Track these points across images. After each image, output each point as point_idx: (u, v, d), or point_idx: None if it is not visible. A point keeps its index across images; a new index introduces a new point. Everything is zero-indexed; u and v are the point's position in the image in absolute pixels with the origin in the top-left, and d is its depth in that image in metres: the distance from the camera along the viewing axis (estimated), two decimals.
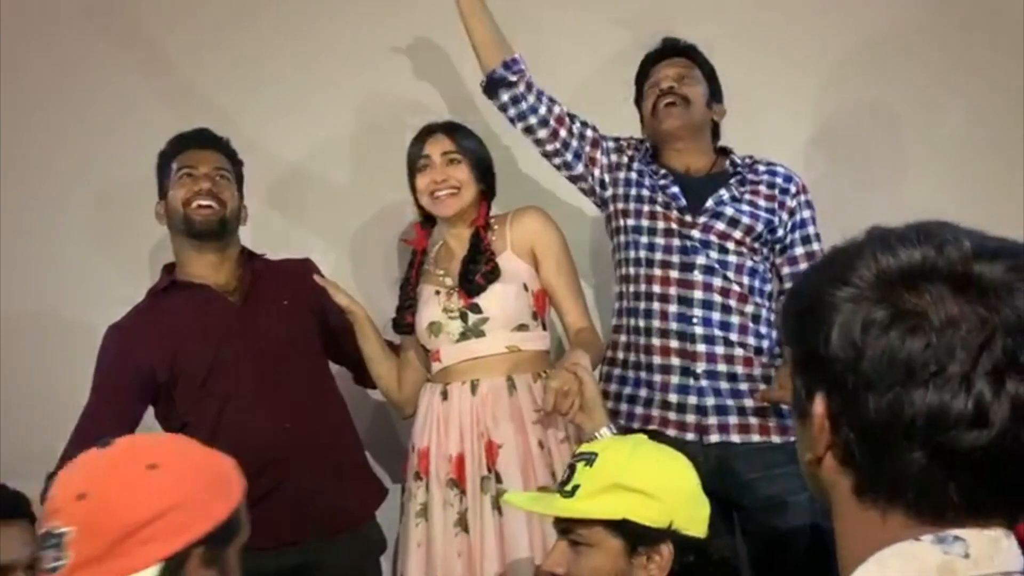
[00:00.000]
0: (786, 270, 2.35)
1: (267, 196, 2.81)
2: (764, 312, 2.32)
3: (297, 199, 2.91)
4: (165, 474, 1.17)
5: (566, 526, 1.60)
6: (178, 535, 1.15)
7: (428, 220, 2.42)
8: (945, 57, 2.81)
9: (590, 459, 1.62)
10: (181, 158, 2.36)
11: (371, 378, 2.57)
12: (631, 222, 2.37)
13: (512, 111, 2.38)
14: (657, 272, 2.30)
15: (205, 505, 1.21)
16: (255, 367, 2.29)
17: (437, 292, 2.31)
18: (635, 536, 1.53)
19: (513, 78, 2.35)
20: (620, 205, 2.40)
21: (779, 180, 2.38)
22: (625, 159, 2.44)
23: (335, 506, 2.26)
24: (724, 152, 2.46)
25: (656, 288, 2.29)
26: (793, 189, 2.37)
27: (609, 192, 2.43)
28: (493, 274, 2.25)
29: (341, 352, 2.51)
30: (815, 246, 2.35)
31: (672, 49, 2.47)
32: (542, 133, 2.39)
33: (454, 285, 2.29)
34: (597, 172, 2.43)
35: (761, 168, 2.40)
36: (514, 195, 2.51)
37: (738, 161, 2.42)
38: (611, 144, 2.46)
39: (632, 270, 2.34)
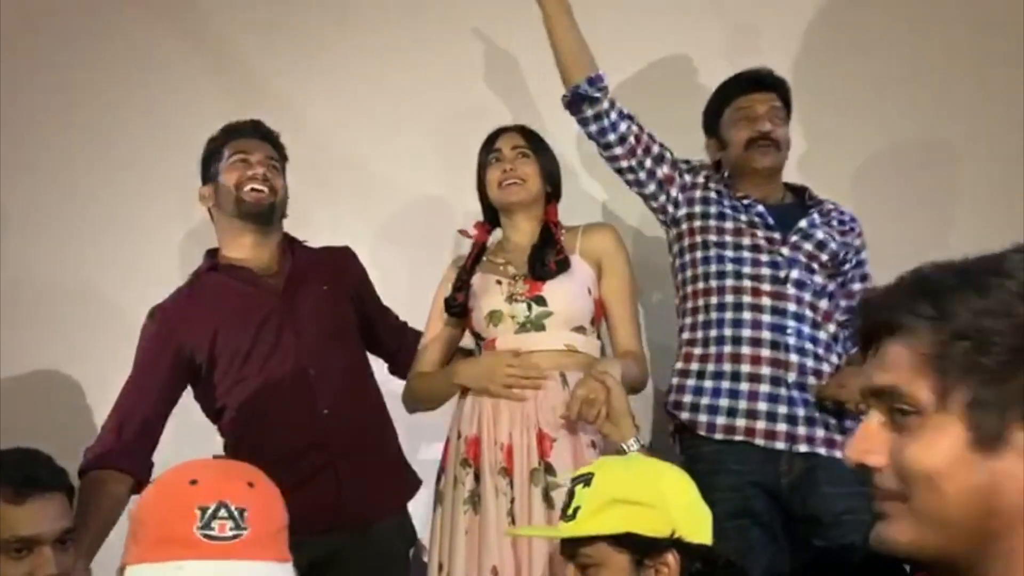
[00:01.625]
0: (843, 302, 2.41)
1: (305, 185, 2.81)
2: (839, 335, 2.38)
3: (333, 189, 2.92)
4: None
5: (572, 551, 1.62)
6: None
7: (491, 221, 2.44)
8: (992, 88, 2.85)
9: (587, 480, 1.65)
10: (234, 144, 2.37)
11: (406, 368, 2.56)
12: (713, 237, 2.40)
13: (593, 127, 2.38)
14: (747, 284, 2.33)
15: None
16: (294, 350, 2.28)
17: (498, 282, 2.31)
18: (639, 548, 1.55)
19: (597, 94, 2.35)
20: (698, 223, 2.43)
21: (847, 219, 2.47)
22: (701, 179, 2.47)
23: (373, 494, 2.25)
24: (789, 186, 2.52)
25: (747, 298, 2.32)
26: (857, 230, 2.47)
27: (683, 211, 2.45)
28: (564, 264, 2.27)
29: (378, 342, 2.52)
30: (869, 283, 2.43)
31: (767, 82, 2.46)
32: (619, 150, 2.40)
33: (518, 273, 2.29)
34: (673, 191, 2.45)
35: (828, 206, 2.48)
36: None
37: (814, 196, 2.50)
38: (684, 165, 2.49)
39: (715, 283, 2.37)
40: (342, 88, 2.93)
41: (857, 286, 2.42)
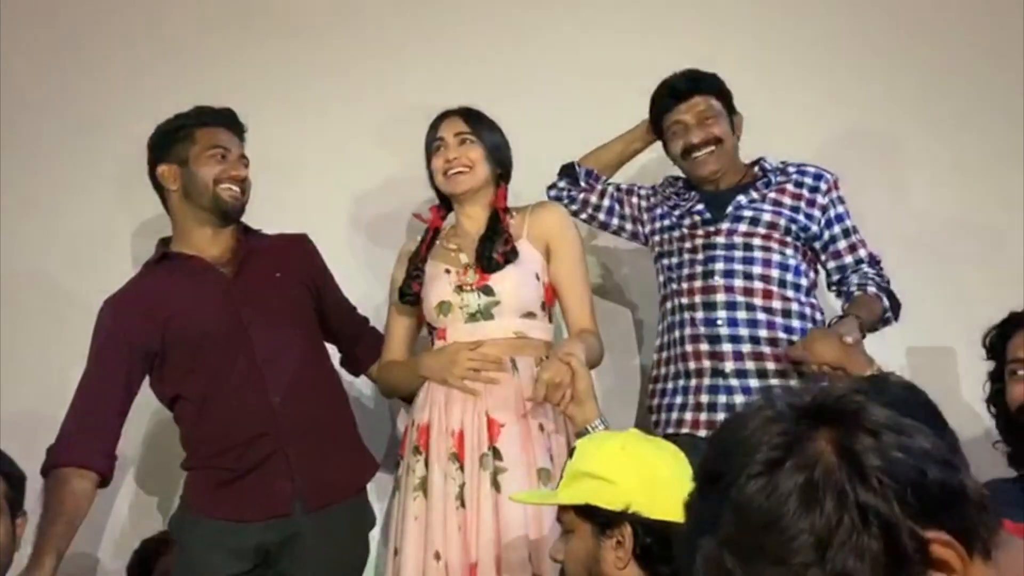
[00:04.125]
0: (831, 264, 2.46)
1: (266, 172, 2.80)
2: (795, 306, 2.40)
3: (294, 174, 2.91)
4: None
5: (558, 516, 1.74)
6: None
7: (444, 204, 2.44)
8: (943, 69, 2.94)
9: (572, 452, 1.76)
10: (211, 134, 2.33)
11: (357, 364, 2.60)
12: (662, 249, 2.52)
13: (563, 193, 2.61)
14: (684, 286, 2.43)
15: None
16: (245, 339, 2.29)
17: (447, 271, 2.32)
18: (599, 520, 1.64)
19: (582, 183, 2.60)
20: (656, 237, 2.56)
21: (808, 179, 2.48)
22: (659, 199, 2.58)
23: (326, 479, 2.27)
24: (756, 163, 2.55)
25: (684, 300, 2.42)
26: (824, 187, 2.47)
27: (647, 228, 2.59)
28: (512, 254, 2.29)
29: (333, 332, 2.52)
30: (854, 238, 2.46)
31: (684, 91, 2.47)
32: (581, 215, 2.62)
33: (469, 262, 2.31)
34: (629, 213, 2.61)
35: (791, 170, 2.50)
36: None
37: (768, 167, 2.52)
38: (643, 192, 2.63)
39: (665, 291, 2.50)
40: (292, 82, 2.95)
41: (842, 244, 2.44)
